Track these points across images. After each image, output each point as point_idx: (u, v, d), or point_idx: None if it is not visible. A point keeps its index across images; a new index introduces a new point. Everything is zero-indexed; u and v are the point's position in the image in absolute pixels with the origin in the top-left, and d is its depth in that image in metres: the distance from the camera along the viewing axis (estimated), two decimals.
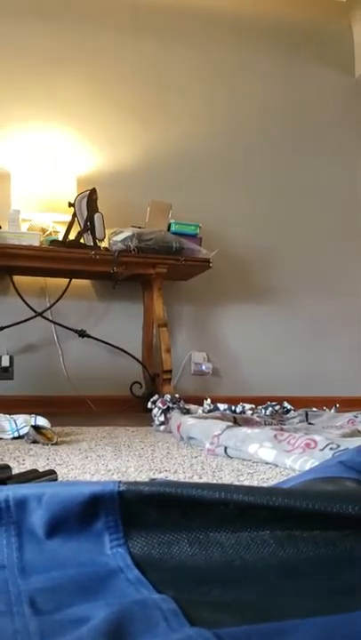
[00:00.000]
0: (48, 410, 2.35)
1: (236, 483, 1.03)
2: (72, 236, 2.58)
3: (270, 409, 1.98)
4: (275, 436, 1.26)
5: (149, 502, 0.57)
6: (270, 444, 1.24)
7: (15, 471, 1.12)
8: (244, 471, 1.13)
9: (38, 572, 0.52)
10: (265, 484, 1.01)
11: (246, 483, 1.04)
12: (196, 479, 1.05)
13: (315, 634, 0.39)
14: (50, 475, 0.95)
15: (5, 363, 2.70)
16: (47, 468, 1.15)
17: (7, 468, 0.84)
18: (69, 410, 2.64)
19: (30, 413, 1.68)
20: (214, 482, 1.03)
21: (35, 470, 0.95)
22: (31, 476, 0.90)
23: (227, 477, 1.07)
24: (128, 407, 2.74)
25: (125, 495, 0.56)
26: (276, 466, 1.19)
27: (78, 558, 0.54)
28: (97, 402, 2.74)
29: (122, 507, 0.56)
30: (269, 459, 1.20)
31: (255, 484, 1.03)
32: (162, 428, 1.80)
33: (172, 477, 1.06)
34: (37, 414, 1.67)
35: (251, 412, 1.91)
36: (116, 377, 2.82)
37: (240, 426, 1.46)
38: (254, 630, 0.39)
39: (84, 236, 2.57)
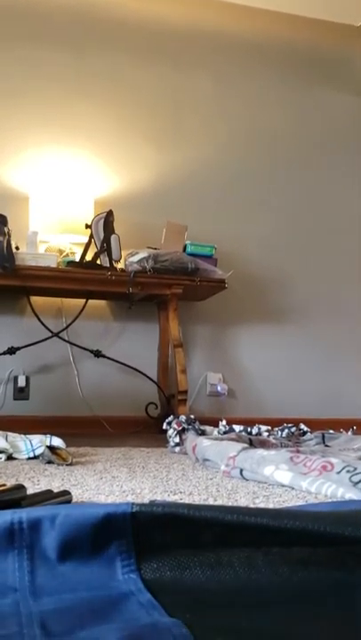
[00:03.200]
0: (63, 430, 2.35)
1: (252, 505, 1.02)
2: (89, 257, 2.60)
3: (286, 431, 1.96)
4: (291, 458, 1.24)
5: (162, 523, 0.57)
6: (286, 466, 1.22)
7: (30, 492, 1.12)
8: (259, 494, 1.12)
9: (50, 595, 0.52)
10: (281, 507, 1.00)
11: (262, 505, 1.03)
12: (211, 501, 1.04)
13: None
14: (64, 495, 0.95)
15: (22, 383, 2.72)
16: (62, 489, 1.15)
17: (22, 487, 0.85)
18: (84, 430, 2.63)
19: (45, 433, 1.69)
20: (229, 504, 1.02)
21: (49, 491, 0.95)
22: (45, 496, 0.90)
23: (242, 500, 1.06)
24: (143, 428, 2.73)
25: (138, 516, 0.56)
26: (293, 488, 1.17)
27: (90, 582, 0.54)
28: (112, 422, 2.74)
29: (134, 529, 0.56)
30: (285, 481, 1.19)
31: (271, 506, 1.02)
32: (177, 449, 1.79)
33: (186, 499, 1.05)
34: (52, 435, 1.67)
35: (267, 433, 1.89)
36: (131, 397, 2.82)
37: (256, 447, 1.44)
38: None
39: (101, 257, 2.59)
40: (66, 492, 0.96)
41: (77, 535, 0.55)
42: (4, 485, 0.83)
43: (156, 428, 2.64)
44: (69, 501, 0.95)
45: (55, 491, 0.96)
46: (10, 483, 1.20)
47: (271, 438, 1.84)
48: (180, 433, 1.81)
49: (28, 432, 1.74)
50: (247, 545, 0.57)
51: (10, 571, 0.54)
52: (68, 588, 0.53)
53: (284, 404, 3.04)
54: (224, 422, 1.89)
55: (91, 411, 2.76)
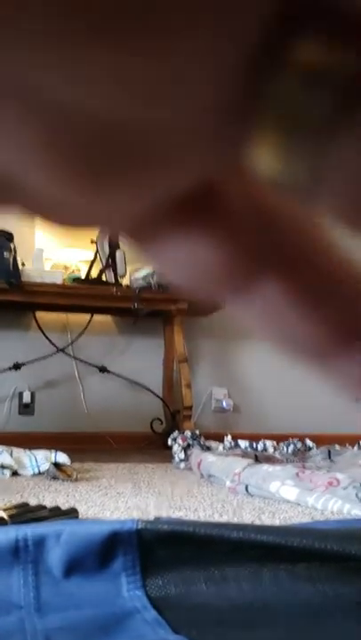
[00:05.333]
0: (68, 446, 2.35)
1: (258, 522, 1.02)
2: (94, 274, 2.62)
3: (292, 446, 1.95)
4: (297, 474, 1.24)
5: (167, 540, 0.57)
6: (292, 482, 1.22)
7: None
8: (265, 510, 1.12)
9: (55, 612, 0.52)
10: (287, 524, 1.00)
11: (268, 522, 1.02)
12: (216, 517, 1.04)
13: None
14: (71, 513, 0.95)
15: (27, 399, 2.72)
16: (67, 505, 1.15)
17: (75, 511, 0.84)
18: (89, 446, 2.63)
19: (50, 449, 1.69)
20: (235, 521, 1.02)
21: (57, 508, 0.95)
22: (53, 513, 0.90)
23: (248, 516, 1.05)
24: (148, 444, 2.72)
25: (143, 533, 0.56)
26: (299, 505, 1.17)
27: (95, 599, 0.54)
28: (117, 438, 2.73)
29: (140, 545, 0.56)
30: (291, 497, 1.18)
31: (277, 523, 1.01)
32: (182, 465, 1.78)
33: (192, 516, 1.04)
34: (57, 450, 1.67)
35: (272, 449, 1.88)
36: (136, 413, 2.81)
37: (261, 463, 1.44)
38: None
39: (106, 273, 2.60)
40: (73, 510, 0.95)
41: (83, 552, 0.55)
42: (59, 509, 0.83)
43: (161, 443, 2.63)
44: (76, 518, 0.95)
45: (61, 508, 0.96)
46: (15, 499, 1.20)
47: (277, 454, 1.83)
48: (185, 449, 1.80)
49: (32, 447, 1.74)
50: (253, 561, 0.57)
51: (15, 587, 0.54)
52: (74, 605, 0.53)
53: (289, 419, 3.03)
54: (229, 438, 1.88)
55: (96, 426, 2.76)
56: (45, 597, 0.53)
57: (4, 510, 0.76)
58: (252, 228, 0.12)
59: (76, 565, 0.55)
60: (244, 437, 1.98)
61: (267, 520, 1.03)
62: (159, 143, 0.09)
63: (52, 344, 2.68)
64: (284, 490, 1.20)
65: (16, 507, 0.81)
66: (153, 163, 0.10)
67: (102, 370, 2.73)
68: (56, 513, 0.88)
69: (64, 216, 0.11)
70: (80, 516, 0.98)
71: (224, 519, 1.02)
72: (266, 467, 1.32)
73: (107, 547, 0.55)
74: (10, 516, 0.75)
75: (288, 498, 1.19)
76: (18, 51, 0.08)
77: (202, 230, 0.12)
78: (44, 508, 0.87)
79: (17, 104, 0.09)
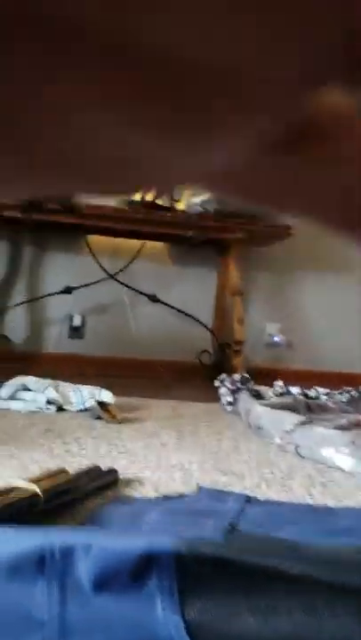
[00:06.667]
0: (115, 371, 2.34)
1: (307, 497, 0.95)
2: (149, 196, 2.49)
3: (347, 395, 1.86)
4: (353, 441, 1.15)
5: (208, 563, 0.50)
6: (348, 449, 1.14)
7: (76, 457, 1.09)
8: (316, 480, 1.05)
9: (81, 633, 0.47)
10: (339, 503, 0.93)
11: (318, 496, 0.95)
12: (263, 487, 0.97)
13: None
14: (111, 475, 0.91)
15: (77, 322, 2.71)
16: (109, 456, 1.11)
17: (65, 472, 0.80)
18: (136, 373, 2.61)
19: (96, 386, 1.65)
20: (283, 493, 0.96)
21: (97, 468, 0.90)
22: (91, 476, 0.86)
23: (297, 488, 0.99)
24: (194, 375, 2.69)
25: (182, 555, 0.50)
26: (353, 476, 1.09)
27: (125, 620, 0.48)
28: (164, 366, 2.70)
29: (178, 567, 0.49)
30: (346, 467, 1.11)
31: (328, 499, 0.95)
32: (229, 408, 1.73)
33: (236, 484, 0.98)
34: (103, 387, 1.64)
35: (325, 397, 1.80)
36: (184, 344, 2.76)
37: (313, 423, 1.35)
38: None
39: (162, 197, 2.47)
40: (112, 472, 0.91)
41: (115, 569, 0.49)
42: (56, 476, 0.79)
43: (208, 375, 2.59)
44: (116, 481, 0.91)
45: (101, 464, 0.92)
46: (56, 445, 1.17)
47: (330, 403, 1.75)
48: (234, 392, 1.74)
49: (81, 370, 1.72)
50: (305, 592, 0.50)
51: (38, 601, 0.48)
52: (102, 627, 0.47)
53: (344, 356, 2.92)
54: (280, 383, 1.80)
55: (143, 354, 2.73)
56: (71, 615, 0.48)
57: (37, 482, 0.71)
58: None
59: (106, 583, 0.49)
60: (295, 375, 1.90)
61: (317, 495, 0.96)
62: (247, 84, 0.10)
63: (104, 270, 2.62)
64: (338, 458, 1.13)
65: (51, 476, 0.76)
66: (240, 106, 0.10)
67: (153, 299, 2.66)
68: (96, 482, 0.83)
69: (166, 176, 0.13)
70: (120, 477, 0.94)
71: (271, 491, 0.96)
72: (320, 429, 1.23)
73: (141, 565, 0.49)
74: (43, 491, 0.70)
75: (342, 466, 1.11)
76: None
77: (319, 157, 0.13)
78: (82, 474, 0.82)
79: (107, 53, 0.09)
